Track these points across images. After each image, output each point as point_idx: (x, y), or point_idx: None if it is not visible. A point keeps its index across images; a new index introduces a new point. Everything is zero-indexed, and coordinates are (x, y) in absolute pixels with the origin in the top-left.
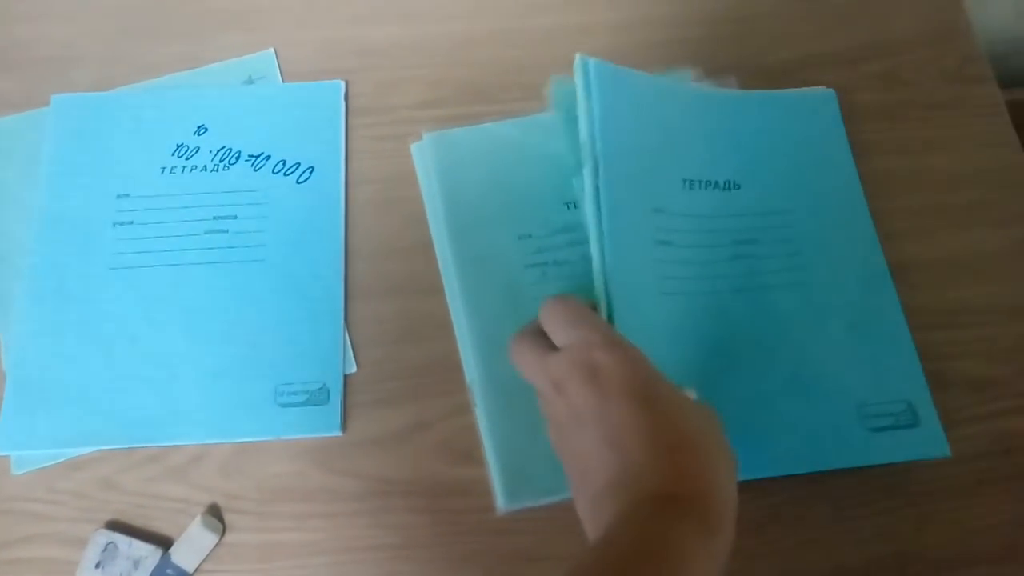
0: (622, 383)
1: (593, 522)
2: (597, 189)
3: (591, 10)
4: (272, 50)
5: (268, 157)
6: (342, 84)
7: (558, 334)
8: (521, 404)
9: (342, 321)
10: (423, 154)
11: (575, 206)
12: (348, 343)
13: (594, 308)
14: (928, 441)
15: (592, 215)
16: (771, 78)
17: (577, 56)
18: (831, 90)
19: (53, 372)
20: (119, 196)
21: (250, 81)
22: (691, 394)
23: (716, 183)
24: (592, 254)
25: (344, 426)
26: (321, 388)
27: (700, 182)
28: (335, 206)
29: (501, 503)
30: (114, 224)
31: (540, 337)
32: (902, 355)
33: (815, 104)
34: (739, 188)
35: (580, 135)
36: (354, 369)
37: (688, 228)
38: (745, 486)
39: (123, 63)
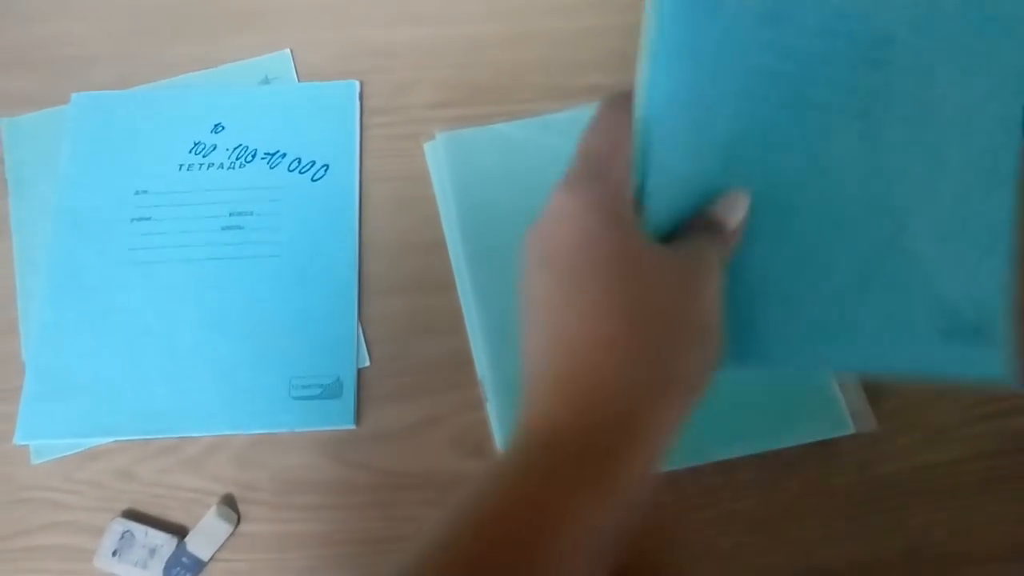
0: (546, 244)
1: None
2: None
3: (603, 13)
4: (288, 51)
5: (284, 155)
6: (357, 84)
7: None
8: None
9: (356, 316)
10: (436, 153)
11: None
12: (362, 338)
13: None
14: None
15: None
16: None
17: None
18: None
19: (72, 364)
20: (137, 192)
21: (266, 81)
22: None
23: None
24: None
25: (357, 419)
26: (335, 381)
27: None
28: (349, 204)
29: None
30: (132, 220)
31: None
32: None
33: None
34: None
35: None
36: (367, 363)
37: None
38: (754, 480)
39: (141, 62)
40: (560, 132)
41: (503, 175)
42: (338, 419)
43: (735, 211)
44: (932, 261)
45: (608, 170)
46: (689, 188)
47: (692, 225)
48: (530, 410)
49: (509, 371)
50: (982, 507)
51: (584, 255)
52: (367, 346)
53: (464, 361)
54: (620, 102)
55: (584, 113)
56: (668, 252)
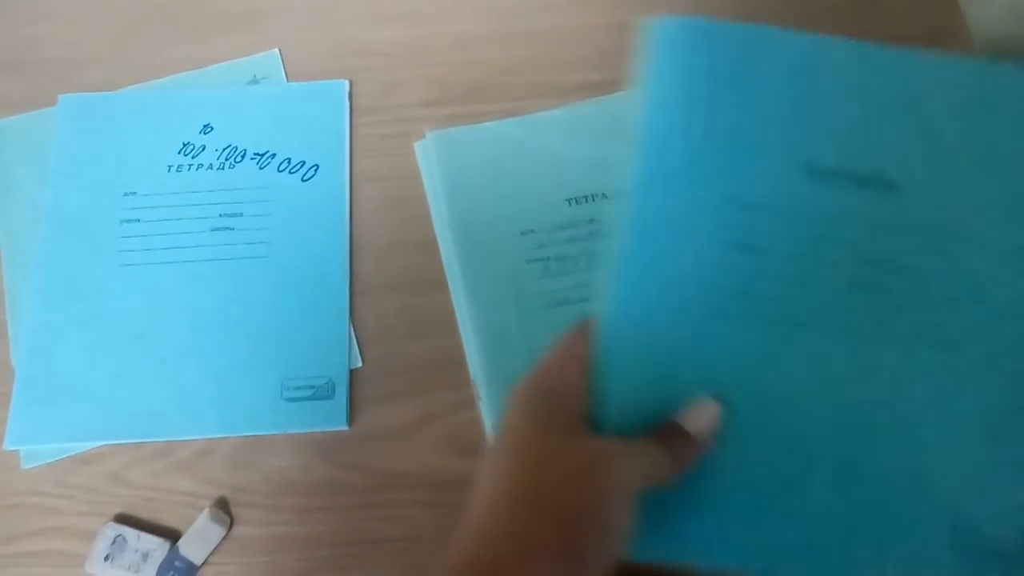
0: (495, 460)
1: None
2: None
3: (592, 10)
4: (277, 50)
5: (273, 155)
6: (346, 83)
7: None
8: None
9: (347, 316)
10: (427, 152)
11: (576, 202)
12: (354, 338)
13: None
14: None
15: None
16: None
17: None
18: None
19: (62, 368)
20: (126, 194)
21: (255, 81)
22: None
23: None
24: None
25: (350, 420)
26: (327, 383)
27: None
28: (340, 204)
29: None
30: (121, 222)
31: None
32: None
33: None
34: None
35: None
36: (359, 364)
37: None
38: None
39: (128, 64)
40: (552, 130)
41: (494, 173)
42: (331, 420)
43: (699, 420)
44: (946, 481)
45: (557, 381)
46: (654, 396)
47: (660, 429)
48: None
49: (502, 369)
50: None
51: (521, 462)
52: (359, 346)
53: (456, 361)
54: (580, 327)
55: (575, 111)
56: (597, 451)
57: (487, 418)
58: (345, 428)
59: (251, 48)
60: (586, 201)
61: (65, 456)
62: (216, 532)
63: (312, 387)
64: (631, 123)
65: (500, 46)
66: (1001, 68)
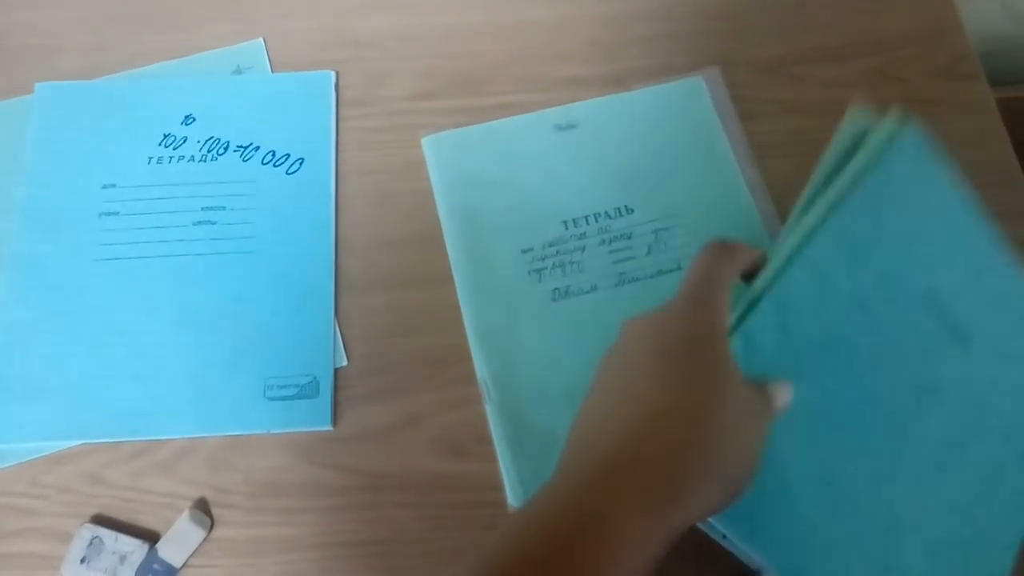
0: (642, 334)
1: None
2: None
3: (582, 3)
4: (262, 40)
5: (257, 148)
6: (332, 75)
7: None
8: (534, 401)
9: (332, 314)
10: (438, 148)
11: (572, 223)
12: (339, 336)
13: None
14: None
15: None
16: (759, 72)
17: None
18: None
19: (37, 364)
20: (104, 186)
21: (239, 71)
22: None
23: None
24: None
25: (334, 420)
26: (311, 382)
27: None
28: (325, 198)
29: (514, 500)
30: (100, 215)
31: None
32: None
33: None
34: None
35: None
36: (344, 363)
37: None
38: None
39: (109, 52)
40: (548, 129)
41: (503, 173)
42: (315, 420)
43: (777, 397)
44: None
45: (711, 296)
46: (766, 351)
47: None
48: (591, 447)
49: (512, 371)
50: None
51: (691, 352)
52: (344, 344)
53: (444, 360)
54: (718, 250)
55: (579, 109)
56: (750, 385)
57: (495, 421)
58: (330, 428)
59: (235, 37)
60: (584, 222)
61: (40, 455)
62: (196, 534)
63: (296, 386)
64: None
65: (489, 39)
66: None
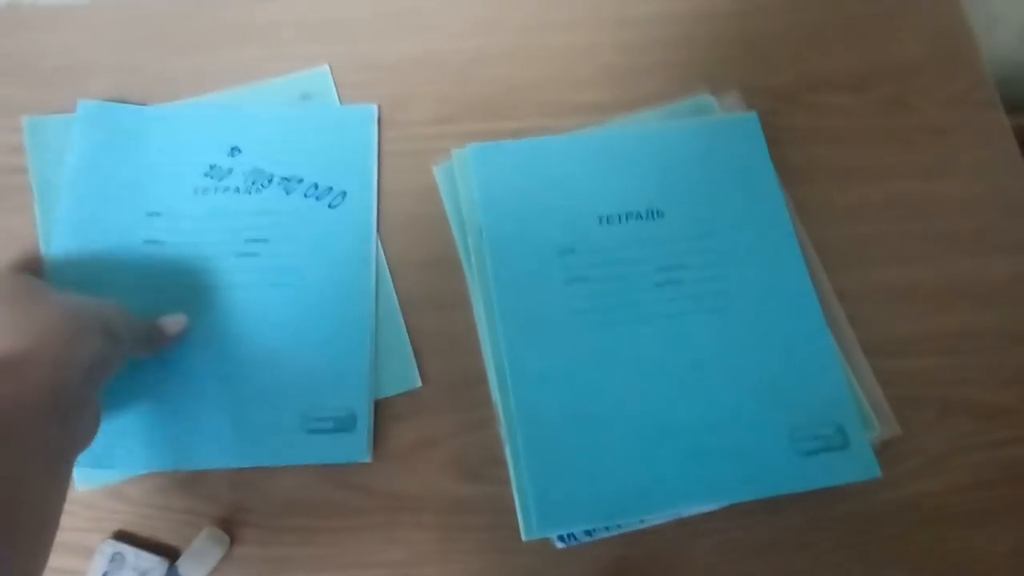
0: None
1: None
2: (482, 253)
3: (601, 30)
4: (327, 67)
5: (300, 180)
6: (375, 108)
7: None
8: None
9: (372, 347)
10: (463, 167)
11: (608, 221)
12: (375, 368)
13: None
14: (858, 463)
15: (479, 276)
16: (776, 99)
17: (455, 151)
18: (754, 114)
19: None
20: (150, 214)
21: (306, 98)
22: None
23: (638, 214)
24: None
25: (372, 453)
26: (348, 415)
27: (618, 216)
28: (367, 233)
29: (529, 534)
30: (144, 242)
31: None
32: (831, 380)
33: (737, 129)
34: (663, 216)
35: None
36: (418, 383)
37: (602, 261)
38: (757, 508)
39: (140, 75)
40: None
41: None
42: (352, 453)
43: (168, 327)
44: (771, 399)
45: None
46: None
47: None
48: None
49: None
50: (982, 536)
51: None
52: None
53: (462, 382)
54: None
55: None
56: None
57: (513, 448)
58: (368, 460)
59: (264, 64)
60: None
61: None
62: (215, 552)
63: (334, 419)
64: None
65: (510, 64)
66: (701, 123)
